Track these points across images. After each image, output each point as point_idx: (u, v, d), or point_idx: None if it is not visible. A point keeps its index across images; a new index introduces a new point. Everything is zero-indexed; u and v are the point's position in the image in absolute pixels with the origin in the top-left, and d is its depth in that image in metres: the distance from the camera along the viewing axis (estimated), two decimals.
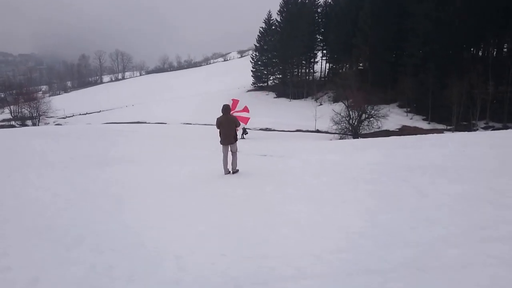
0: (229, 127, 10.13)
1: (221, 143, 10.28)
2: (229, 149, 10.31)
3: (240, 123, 10.57)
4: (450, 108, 46.70)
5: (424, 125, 51.13)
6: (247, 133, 35.43)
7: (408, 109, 56.03)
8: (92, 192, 8.37)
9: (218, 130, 10.28)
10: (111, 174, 10.78)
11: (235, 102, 35.34)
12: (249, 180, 9.20)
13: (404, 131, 47.32)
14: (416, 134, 33.79)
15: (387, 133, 43.68)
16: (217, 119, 10.22)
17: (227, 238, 5.15)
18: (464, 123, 48.22)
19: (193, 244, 4.94)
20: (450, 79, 46.06)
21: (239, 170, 10.32)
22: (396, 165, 9.86)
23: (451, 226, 5.07)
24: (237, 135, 10.41)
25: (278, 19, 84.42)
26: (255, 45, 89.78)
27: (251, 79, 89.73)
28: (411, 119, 53.82)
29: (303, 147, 17.82)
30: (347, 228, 5.23)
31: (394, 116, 52.13)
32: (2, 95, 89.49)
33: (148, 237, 5.26)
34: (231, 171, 10.28)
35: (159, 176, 10.47)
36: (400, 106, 57.86)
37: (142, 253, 4.68)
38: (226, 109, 10.19)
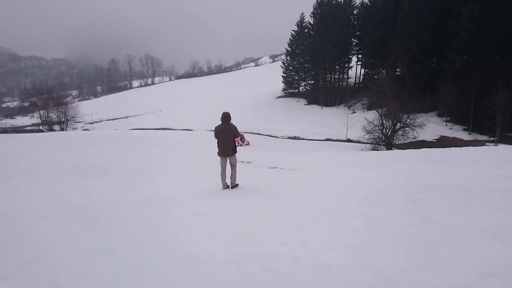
0: (228, 137, 9.27)
1: (218, 155, 9.43)
2: (228, 161, 9.44)
3: (241, 133, 9.85)
4: (494, 117, 43.09)
5: (465, 135, 47.88)
6: (244, 139, 33.96)
7: (448, 118, 52.55)
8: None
9: (216, 140, 9.41)
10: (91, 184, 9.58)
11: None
12: (244, 197, 8.33)
13: (442, 142, 44.33)
14: (455, 146, 31.12)
15: (423, 144, 41.39)
16: (215, 128, 9.39)
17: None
18: (509, 135, 44.97)
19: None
20: (495, 87, 42.77)
21: (239, 184, 9.48)
22: (414, 184, 8.74)
23: (454, 272, 3.92)
24: (236, 147, 9.52)
25: (311, 22, 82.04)
26: (287, 49, 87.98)
27: (282, 85, 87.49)
28: (451, 129, 50.48)
29: (321, 159, 16.73)
30: (326, 269, 4.21)
31: (432, 126, 49.27)
32: (34, 100, 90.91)
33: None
34: (230, 186, 9.42)
35: (151, 190, 9.35)
36: (439, 115, 54.49)
37: None
38: (225, 117, 9.26)
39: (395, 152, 19.09)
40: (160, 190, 9.29)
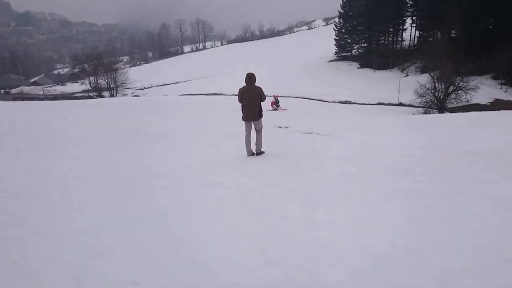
0: (253, 100, 8.64)
1: (243, 119, 8.89)
2: (253, 126, 8.93)
3: (266, 96, 8.89)
4: None
5: None
6: (279, 105, 33.29)
7: (503, 81, 50.80)
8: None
9: (240, 104, 8.87)
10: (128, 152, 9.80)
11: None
12: (264, 165, 7.91)
13: (496, 105, 42.92)
14: (510, 109, 30.81)
15: (476, 108, 40.36)
16: (239, 90, 8.75)
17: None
18: None
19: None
20: None
21: (265, 152, 9.03)
22: (447, 150, 8.15)
23: (464, 255, 3.54)
24: (262, 111, 8.91)
25: None
26: (339, 12, 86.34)
27: (334, 49, 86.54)
28: (505, 92, 48.92)
29: (360, 124, 15.99)
30: (324, 248, 3.84)
31: (486, 89, 47.73)
32: (84, 66, 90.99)
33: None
34: (255, 153, 8.95)
35: (171, 157, 9.22)
36: (494, 78, 52.73)
37: None
38: (250, 78, 8.58)
39: (437, 116, 18.44)
40: (181, 157, 9.06)
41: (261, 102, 8.79)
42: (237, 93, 8.78)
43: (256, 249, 3.86)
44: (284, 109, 32.29)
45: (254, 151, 8.97)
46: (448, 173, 6.25)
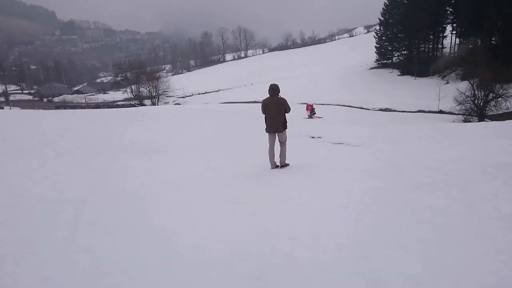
0: (277, 111, 8.56)
1: (266, 131, 8.81)
2: (277, 138, 8.85)
3: (290, 108, 8.81)
4: None
5: None
6: (315, 113, 33.40)
7: None
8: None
9: (264, 115, 8.80)
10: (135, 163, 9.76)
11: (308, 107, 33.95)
12: (285, 179, 7.78)
13: None
14: None
15: None
16: (263, 101, 8.70)
17: None
18: None
19: None
20: None
21: (289, 164, 8.95)
22: (473, 163, 8.07)
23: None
24: (286, 122, 8.82)
25: None
26: (380, 19, 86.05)
27: (375, 56, 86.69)
28: None
29: (391, 133, 15.78)
30: (323, 274, 3.78)
31: None
32: (127, 74, 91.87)
33: None
34: (279, 165, 8.88)
35: (194, 168, 9.16)
36: None
37: None
38: (273, 89, 8.57)
39: (471, 125, 18.04)
40: (204, 168, 9.02)
41: (286, 113, 8.75)
42: (261, 104, 8.77)
43: (253, 274, 3.79)
44: (319, 117, 32.58)
45: (278, 163, 8.89)
46: (468, 189, 6.18)
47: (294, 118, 27.59)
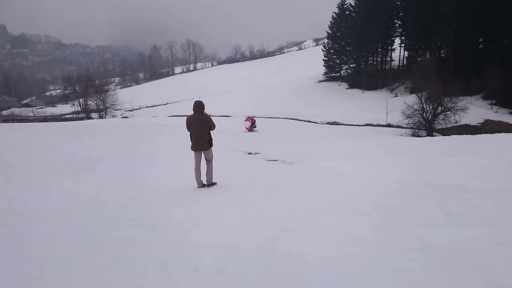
0: (201, 129, 8.26)
1: (192, 149, 8.44)
2: (203, 156, 8.49)
3: (215, 125, 8.52)
4: None
5: (511, 119, 45.32)
6: (255, 126, 32.34)
7: (493, 101, 49.89)
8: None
9: (189, 132, 8.44)
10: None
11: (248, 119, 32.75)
12: (208, 200, 7.28)
13: (487, 126, 42.37)
14: (500, 130, 29.78)
15: (467, 128, 39.86)
16: (187, 118, 8.40)
17: None
18: None
19: None
20: None
21: (217, 183, 8.57)
22: (404, 182, 7.58)
23: None
24: (212, 140, 8.50)
25: (353, 3, 79.56)
26: (327, 32, 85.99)
27: (324, 69, 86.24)
28: (496, 112, 48.09)
29: (330, 149, 15.39)
30: None
31: (476, 109, 47.18)
32: (75, 87, 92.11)
33: None
34: (206, 184, 8.47)
35: (118, 188, 8.56)
36: (485, 98, 51.87)
37: None
38: (198, 106, 8.31)
39: (413, 141, 17.77)
40: (129, 188, 8.50)
41: (210, 131, 8.46)
42: (185, 122, 8.45)
43: None
44: (250, 130, 31.40)
45: (205, 182, 8.48)
46: (393, 213, 5.59)
47: (236, 131, 26.93)
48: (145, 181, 9.17)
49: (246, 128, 31.12)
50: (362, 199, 6.51)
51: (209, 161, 8.52)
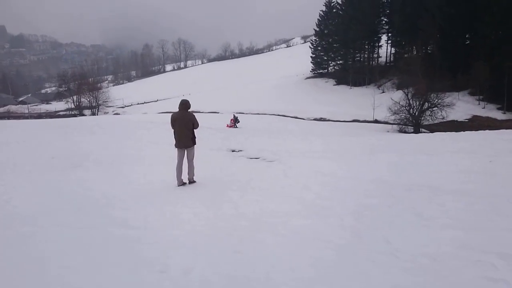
0: (185, 126, 8.35)
1: (175, 147, 8.51)
2: (185, 154, 8.53)
3: (199, 124, 8.63)
4: None
5: (499, 115, 45.22)
6: (238, 121, 32.84)
7: (481, 97, 49.65)
8: None
9: (173, 130, 8.49)
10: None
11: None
12: (186, 199, 7.27)
13: (475, 121, 42.51)
14: (488, 125, 29.97)
15: (454, 124, 40.15)
16: (171, 116, 8.47)
17: None
18: None
19: None
20: None
21: (196, 181, 8.60)
22: (380, 183, 7.60)
23: None
24: (195, 138, 8.59)
25: (340, 1, 79.76)
26: (315, 30, 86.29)
27: (311, 66, 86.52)
28: (483, 108, 47.76)
29: (312, 146, 15.31)
30: None
31: (463, 105, 47.12)
32: (70, 85, 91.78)
33: None
34: (187, 182, 8.56)
35: (100, 186, 8.56)
36: (472, 94, 51.58)
37: None
38: (183, 104, 8.39)
39: (394, 138, 18.07)
40: (111, 185, 8.51)
41: (194, 129, 8.56)
42: (170, 119, 8.52)
43: None
44: (233, 127, 31.77)
45: (186, 180, 8.59)
46: (365, 215, 5.59)
47: (222, 128, 27.25)
48: (127, 179, 9.23)
49: (227, 125, 31.47)
50: (336, 199, 6.51)
51: (190, 160, 8.57)
